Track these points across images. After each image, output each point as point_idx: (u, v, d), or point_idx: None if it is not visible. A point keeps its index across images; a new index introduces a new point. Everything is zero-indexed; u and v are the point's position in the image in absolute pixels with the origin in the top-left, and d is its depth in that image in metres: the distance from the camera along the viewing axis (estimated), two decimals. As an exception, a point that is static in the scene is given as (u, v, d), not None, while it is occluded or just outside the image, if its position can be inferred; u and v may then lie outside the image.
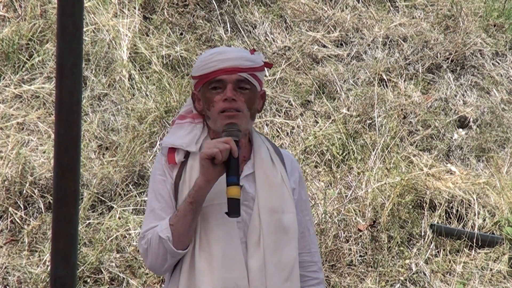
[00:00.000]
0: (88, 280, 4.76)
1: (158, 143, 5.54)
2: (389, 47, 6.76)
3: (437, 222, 5.53)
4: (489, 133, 6.41)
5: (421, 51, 6.77)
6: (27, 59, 5.74)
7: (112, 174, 5.19)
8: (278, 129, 5.93)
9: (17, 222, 4.92)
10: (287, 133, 5.95)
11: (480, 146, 6.31)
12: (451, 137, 6.34)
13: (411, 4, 7.21)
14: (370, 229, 5.37)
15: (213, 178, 2.49)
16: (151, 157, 5.44)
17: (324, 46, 6.64)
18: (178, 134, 2.65)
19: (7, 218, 4.92)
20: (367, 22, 6.90)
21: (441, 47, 6.81)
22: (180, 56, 6.08)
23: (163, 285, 4.79)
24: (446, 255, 5.45)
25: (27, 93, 5.59)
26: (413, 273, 5.29)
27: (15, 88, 5.60)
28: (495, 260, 5.49)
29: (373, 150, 5.87)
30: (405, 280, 5.24)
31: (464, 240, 5.48)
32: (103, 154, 5.40)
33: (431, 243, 5.45)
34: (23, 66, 5.71)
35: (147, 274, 4.82)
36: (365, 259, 5.28)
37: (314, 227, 2.82)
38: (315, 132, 5.91)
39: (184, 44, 6.18)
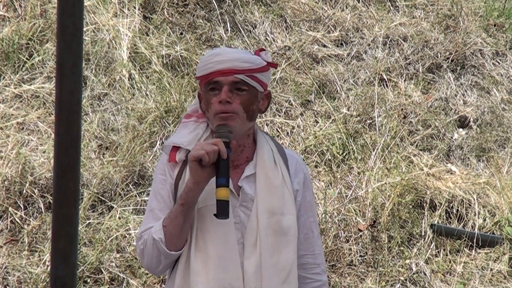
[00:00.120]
0: (88, 280, 4.76)
1: (158, 143, 5.54)
2: (389, 47, 6.76)
3: (437, 222, 5.53)
4: (489, 133, 6.41)
5: (421, 51, 6.77)
6: (27, 59, 5.74)
7: (112, 174, 5.19)
8: (278, 129, 5.93)
9: (17, 222, 4.91)
10: (287, 133, 5.94)
11: (480, 146, 6.31)
12: (451, 137, 6.33)
13: (411, 3, 7.21)
14: (370, 229, 5.37)
15: (202, 180, 2.49)
16: (151, 157, 5.44)
17: (324, 46, 6.64)
18: (182, 133, 2.66)
19: (7, 218, 4.92)
20: (367, 22, 6.89)
21: (441, 47, 6.81)
22: (180, 56, 6.08)
23: (163, 285, 4.79)
24: (446, 255, 5.45)
25: (27, 93, 5.59)
26: (413, 273, 5.28)
27: (15, 88, 5.60)
28: (495, 260, 5.49)
29: (373, 150, 5.87)
30: (405, 280, 5.24)
31: (464, 240, 5.48)
32: (103, 154, 5.40)
33: (431, 243, 5.45)
34: (23, 66, 5.71)
35: (147, 274, 4.82)
36: (365, 259, 5.28)
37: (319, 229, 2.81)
38: (315, 132, 5.91)
39: (184, 44, 6.18)
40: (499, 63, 7.01)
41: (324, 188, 5.56)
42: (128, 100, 5.70)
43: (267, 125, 5.93)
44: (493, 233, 5.61)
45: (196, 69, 2.69)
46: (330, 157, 5.78)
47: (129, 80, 5.85)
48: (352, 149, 5.83)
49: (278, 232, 2.57)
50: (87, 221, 5.00)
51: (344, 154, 5.83)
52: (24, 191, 4.99)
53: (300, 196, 2.67)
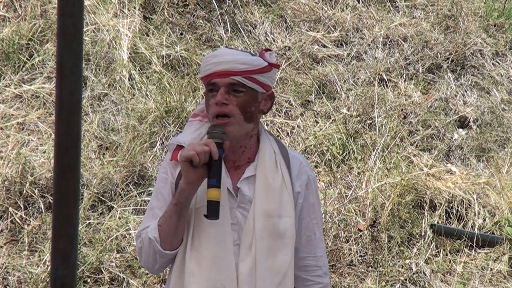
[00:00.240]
0: (88, 280, 4.76)
1: (158, 143, 5.54)
2: (389, 47, 6.76)
3: (437, 222, 5.54)
4: (489, 133, 6.41)
5: (421, 51, 6.77)
6: (27, 59, 5.74)
7: (112, 174, 5.20)
8: (278, 129, 5.93)
9: (17, 222, 4.92)
10: (287, 133, 5.95)
11: (480, 146, 6.32)
12: (451, 137, 6.34)
13: (411, 4, 7.21)
14: (370, 229, 5.37)
15: (194, 180, 2.49)
16: (151, 157, 5.44)
17: (324, 46, 6.64)
18: (186, 132, 2.67)
19: (7, 218, 4.92)
20: (367, 22, 6.90)
21: (441, 47, 6.82)
22: (180, 56, 6.08)
23: (163, 285, 4.79)
24: (446, 255, 5.45)
25: (27, 93, 5.59)
26: (413, 273, 5.29)
27: (15, 88, 5.60)
28: (495, 260, 5.49)
29: (373, 150, 5.87)
30: (405, 280, 5.24)
31: (464, 240, 5.48)
32: (103, 154, 5.40)
33: (431, 243, 5.45)
34: (23, 66, 5.71)
35: (147, 274, 4.82)
36: (365, 259, 5.28)
37: (322, 231, 2.79)
38: (315, 132, 5.91)
39: (184, 44, 6.18)
40: (499, 63, 7.01)
41: (324, 188, 5.57)
42: (128, 100, 5.70)
43: (267, 125, 5.93)
44: (493, 233, 5.62)
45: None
46: (330, 157, 5.79)
47: (129, 80, 5.85)
48: (352, 149, 5.84)
49: (275, 235, 2.57)
50: (87, 221, 5.00)
51: (344, 154, 5.83)
52: (24, 191, 4.99)
53: (302, 198, 2.66)
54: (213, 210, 2.48)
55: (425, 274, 5.31)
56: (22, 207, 4.97)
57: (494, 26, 7.26)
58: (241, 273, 2.53)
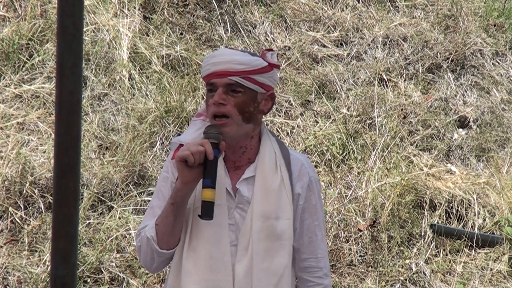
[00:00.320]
0: (88, 280, 4.76)
1: (158, 143, 5.54)
2: (389, 47, 6.76)
3: (437, 222, 5.53)
4: (489, 133, 6.41)
5: (421, 51, 6.77)
6: (27, 59, 5.74)
7: (112, 174, 5.20)
8: (278, 129, 5.93)
9: (17, 222, 4.92)
10: (287, 133, 5.95)
11: (480, 146, 6.32)
12: (451, 137, 6.34)
13: (411, 4, 7.21)
14: (370, 229, 5.37)
15: (190, 180, 2.49)
16: (151, 157, 5.44)
17: (324, 46, 6.64)
18: (189, 131, 2.67)
19: (7, 218, 4.92)
20: (367, 22, 6.90)
21: (441, 47, 6.81)
22: (180, 56, 6.08)
23: (163, 285, 4.79)
24: (446, 255, 5.45)
25: (27, 93, 5.59)
26: (413, 273, 5.29)
27: (15, 88, 5.60)
28: (495, 260, 5.49)
29: (373, 150, 5.87)
30: (405, 280, 5.24)
31: (464, 240, 5.48)
32: (103, 154, 5.40)
33: (431, 243, 5.45)
34: (23, 66, 5.71)
35: (147, 274, 4.82)
36: (365, 259, 5.28)
37: (325, 232, 2.78)
38: (315, 132, 5.91)
39: (184, 44, 6.18)
40: (499, 63, 7.01)
41: (324, 188, 5.56)
42: (128, 100, 5.70)
43: (267, 125, 5.93)
44: (493, 233, 5.62)
45: None
46: (330, 157, 5.79)
47: (129, 80, 5.85)
48: (352, 149, 5.84)
49: (272, 237, 2.57)
50: (87, 221, 5.00)
51: (344, 154, 5.83)
52: (24, 191, 4.99)
53: (303, 199, 2.65)
54: (207, 211, 2.48)
55: (425, 274, 5.31)
56: (22, 207, 4.97)
57: (494, 26, 7.26)
58: (237, 274, 2.53)
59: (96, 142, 5.42)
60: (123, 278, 4.79)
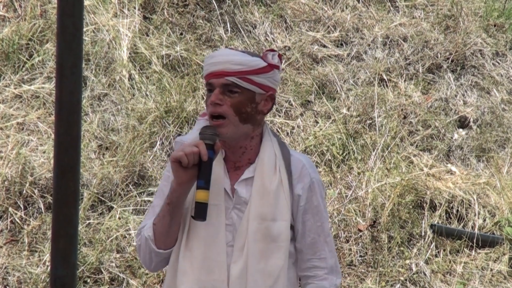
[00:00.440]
0: (88, 280, 4.76)
1: (158, 143, 5.54)
2: (389, 47, 6.76)
3: (437, 222, 5.53)
4: (489, 133, 6.41)
5: (421, 51, 6.77)
6: (27, 59, 5.74)
7: (112, 174, 5.19)
8: (278, 129, 5.93)
9: (17, 222, 4.92)
10: (287, 133, 5.95)
11: (480, 146, 6.31)
12: (451, 137, 6.33)
13: (411, 4, 7.21)
14: (370, 229, 5.37)
15: (184, 181, 2.49)
16: (151, 157, 5.44)
17: (324, 46, 6.64)
18: (193, 131, 2.68)
19: (7, 218, 4.92)
20: (367, 22, 6.89)
21: (441, 47, 6.81)
22: (180, 56, 6.08)
23: (163, 285, 4.79)
24: (446, 255, 5.45)
25: (27, 93, 5.59)
26: (413, 273, 5.29)
27: (15, 88, 5.60)
28: (495, 260, 5.49)
29: (373, 150, 5.87)
30: (405, 280, 5.24)
31: (465, 240, 5.48)
32: (103, 154, 5.40)
33: (431, 243, 5.45)
34: (23, 66, 5.71)
35: (147, 274, 4.82)
36: (365, 259, 5.28)
37: (329, 232, 2.75)
38: (315, 132, 5.91)
39: (184, 44, 6.18)
40: (499, 63, 7.01)
41: (324, 188, 5.56)
42: (128, 100, 5.70)
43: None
44: (493, 233, 5.62)
45: None
46: (330, 157, 5.78)
47: (129, 80, 5.85)
48: (352, 149, 5.84)
49: (268, 238, 2.56)
50: (87, 221, 5.00)
51: (344, 154, 5.83)
52: (24, 191, 4.99)
53: (304, 201, 2.63)
54: (200, 212, 2.49)
55: (425, 274, 5.31)
56: (22, 207, 4.97)
57: (494, 26, 7.26)
58: (232, 275, 2.53)
59: (96, 142, 5.42)
60: (123, 278, 4.78)
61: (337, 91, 6.31)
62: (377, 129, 6.05)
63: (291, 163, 2.65)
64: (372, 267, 5.25)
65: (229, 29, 6.45)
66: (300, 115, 6.08)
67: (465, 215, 5.67)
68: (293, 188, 2.62)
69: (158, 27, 6.25)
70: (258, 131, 2.63)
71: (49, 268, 4.48)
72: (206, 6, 6.52)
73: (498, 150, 6.35)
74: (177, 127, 5.63)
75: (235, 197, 2.58)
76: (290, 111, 6.10)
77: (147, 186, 5.26)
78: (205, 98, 2.67)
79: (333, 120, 6.02)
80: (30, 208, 5.00)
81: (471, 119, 6.51)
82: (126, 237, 4.97)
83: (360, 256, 5.29)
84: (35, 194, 5.01)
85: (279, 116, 6.04)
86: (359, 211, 5.47)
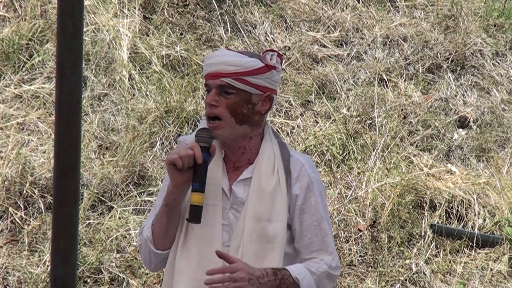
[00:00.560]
0: (88, 280, 4.76)
1: (158, 143, 5.54)
2: (389, 47, 6.76)
3: (437, 222, 5.53)
4: (489, 133, 6.41)
5: (421, 51, 6.77)
6: (27, 59, 5.74)
7: (112, 174, 5.20)
8: (278, 129, 5.93)
9: (17, 222, 4.92)
10: (287, 133, 5.95)
11: (480, 146, 6.31)
12: (451, 137, 6.34)
13: (411, 4, 7.21)
14: (370, 229, 5.37)
15: (180, 183, 2.50)
16: (151, 157, 5.44)
17: (324, 46, 6.64)
18: (196, 130, 2.68)
19: (7, 218, 4.92)
20: (367, 22, 6.89)
21: (441, 47, 6.81)
22: (180, 56, 6.08)
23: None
24: (446, 255, 5.45)
25: (27, 93, 5.59)
26: (413, 273, 5.29)
27: (15, 88, 5.60)
28: (495, 260, 5.49)
29: (373, 150, 5.87)
30: (405, 280, 5.24)
31: (464, 240, 5.48)
32: (103, 154, 5.40)
33: (431, 243, 5.45)
34: (23, 66, 5.71)
35: (147, 274, 4.82)
36: (365, 259, 5.28)
37: (329, 229, 2.70)
38: (315, 132, 5.91)
39: (184, 44, 6.18)
40: (499, 63, 7.01)
41: (324, 188, 5.56)
42: (128, 100, 5.71)
43: (267, 125, 5.92)
44: (493, 233, 5.62)
45: None
46: (330, 157, 5.79)
47: (129, 80, 5.85)
48: (352, 149, 5.84)
49: (263, 239, 2.55)
50: (87, 221, 5.00)
51: (344, 154, 5.83)
52: (24, 191, 4.99)
53: (301, 200, 2.61)
54: (194, 214, 2.50)
55: (425, 274, 5.31)
56: (22, 207, 4.97)
57: (494, 26, 7.26)
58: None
59: (96, 142, 5.43)
60: (123, 278, 4.79)
61: (337, 91, 6.31)
62: (377, 129, 6.05)
63: (291, 163, 2.64)
64: (372, 267, 5.26)
65: (229, 29, 6.45)
66: (300, 115, 6.08)
67: (465, 215, 5.67)
68: (291, 188, 2.62)
69: (158, 27, 6.25)
70: (257, 131, 2.63)
71: (49, 268, 4.49)
72: (206, 6, 6.52)
73: (498, 150, 6.35)
74: (177, 127, 5.63)
75: (232, 197, 2.58)
76: (290, 111, 6.10)
77: (147, 186, 5.26)
78: (205, 98, 2.67)
79: (333, 120, 6.02)
80: (30, 208, 5.00)
81: (471, 119, 6.52)
82: (126, 237, 4.97)
83: (360, 256, 5.29)
84: (35, 194, 5.01)
85: (279, 116, 6.04)
86: (359, 211, 5.47)
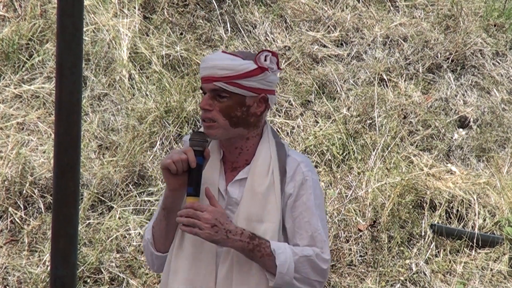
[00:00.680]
0: (88, 280, 4.76)
1: (158, 143, 5.54)
2: (389, 47, 6.76)
3: (438, 222, 5.53)
4: (490, 133, 6.40)
5: (421, 51, 6.77)
6: (27, 59, 5.74)
7: (112, 174, 5.19)
8: (278, 129, 5.93)
9: (17, 222, 4.92)
10: (287, 133, 5.94)
11: (480, 146, 6.31)
12: (452, 137, 6.33)
13: (411, 4, 7.21)
14: (370, 229, 5.37)
15: (175, 187, 2.51)
16: (151, 157, 5.44)
17: (324, 46, 6.64)
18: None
19: (7, 218, 4.92)
20: (367, 22, 6.89)
21: (441, 47, 6.81)
22: (180, 56, 6.08)
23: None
24: (447, 255, 5.45)
25: (27, 93, 5.59)
26: (413, 273, 5.28)
27: (15, 88, 5.60)
28: (495, 260, 5.49)
29: (373, 150, 5.87)
30: (405, 280, 5.24)
31: (465, 240, 5.48)
32: (103, 154, 5.40)
33: (432, 243, 5.45)
34: (23, 66, 5.71)
35: (147, 274, 4.82)
36: (365, 259, 5.28)
37: (321, 226, 2.67)
38: (315, 132, 5.91)
39: (184, 44, 6.18)
40: (499, 63, 7.01)
41: (324, 188, 5.56)
42: (128, 100, 5.70)
43: (267, 125, 5.92)
44: (493, 233, 5.61)
45: None
46: (330, 157, 5.78)
47: (129, 80, 5.85)
48: (352, 149, 5.83)
49: None
50: (87, 221, 5.00)
51: (344, 154, 5.83)
52: (24, 191, 4.99)
53: (293, 197, 2.59)
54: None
55: (425, 274, 5.31)
56: (22, 207, 4.97)
57: (494, 26, 7.26)
58: (219, 275, 2.53)
59: (96, 142, 5.42)
60: (123, 278, 4.78)
61: (337, 91, 6.31)
62: (377, 129, 6.05)
63: (287, 163, 2.62)
64: (372, 267, 5.25)
65: (229, 29, 6.45)
66: (300, 115, 6.08)
67: (465, 215, 5.67)
68: (285, 187, 2.60)
69: (158, 27, 6.24)
70: (255, 132, 2.62)
71: (49, 268, 4.48)
72: (206, 6, 6.51)
73: (498, 150, 6.35)
74: (177, 127, 5.62)
75: (227, 197, 2.58)
76: (290, 111, 6.10)
77: (147, 186, 5.26)
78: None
79: (333, 120, 6.02)
80: (30, 208, 5.00)
81: (471, 119, 6.51)
82: (126, 237, 4.97)
83: (360, 256, 5.29)
84: (35, 194, 5.01)
85: (279, 116, 6.04)
86: (359, 211, 5.47)
